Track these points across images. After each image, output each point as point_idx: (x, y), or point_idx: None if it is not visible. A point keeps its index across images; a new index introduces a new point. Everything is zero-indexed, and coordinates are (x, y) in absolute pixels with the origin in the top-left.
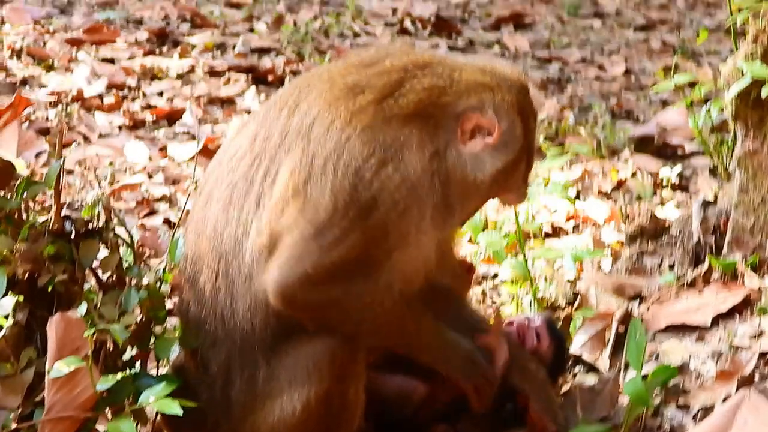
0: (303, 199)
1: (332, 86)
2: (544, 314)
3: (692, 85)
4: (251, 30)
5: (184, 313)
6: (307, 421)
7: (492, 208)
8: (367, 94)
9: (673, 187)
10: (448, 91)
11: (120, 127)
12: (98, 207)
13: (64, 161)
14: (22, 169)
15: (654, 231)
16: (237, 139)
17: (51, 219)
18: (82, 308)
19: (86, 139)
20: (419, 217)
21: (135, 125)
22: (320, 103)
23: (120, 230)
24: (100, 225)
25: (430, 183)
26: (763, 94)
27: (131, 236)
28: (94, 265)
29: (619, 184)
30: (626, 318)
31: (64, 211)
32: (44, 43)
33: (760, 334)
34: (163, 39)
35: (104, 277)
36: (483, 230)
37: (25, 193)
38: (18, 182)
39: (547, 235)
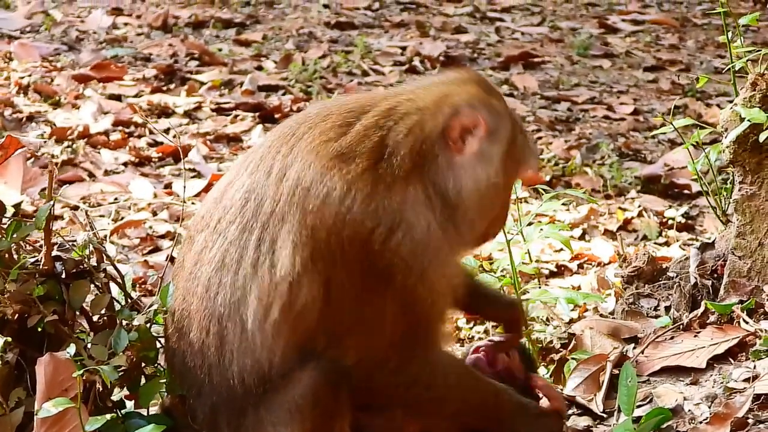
0: (319, 278)
1: (318, 155)
2: (502, 335)
3: (701, 126)
4: (259, 68)
5: (170, 362)
6: None
7: (490, 249)
8: (359, 161)
9: (679, 228)
10: (425, 120)
11: (125, 164)
12: (89, 248)
13: (54, 202)
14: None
15: (651, 273)
16: (225, 199)
17: (41, 259)
18: (71, 349)
19: (92, 175)
20: (444, 264)
21: (140, 162)
22: (312, 173)
23: (112, 271)
24: (93, 265)
25: (445, 230)
26: (761, 139)
27: (122, 277)
28: (85, 306)
29: (626, 224)
30: (621, 360)
31: (55, 252)
32: (51, 80)
33: (755, 377)
34: (170, 76)
35: (95, 318)
36: (480, 272)
37: (15, 234)
38: (8, 223)
39: (552, 274)
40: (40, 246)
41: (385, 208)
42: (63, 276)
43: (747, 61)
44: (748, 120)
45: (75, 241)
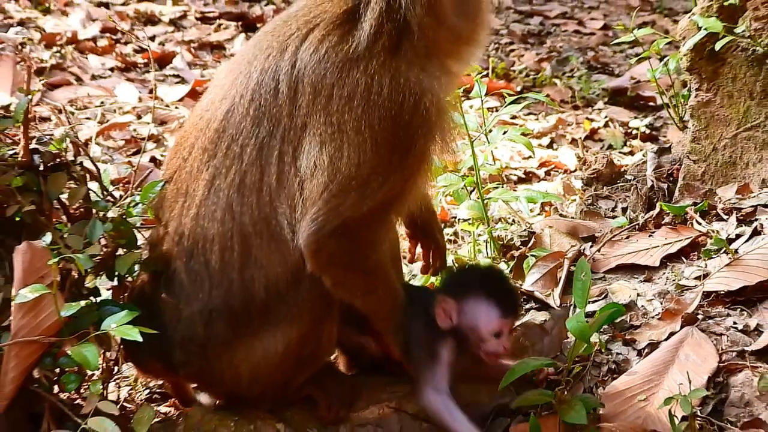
0: (340, 161)
1: (331, 62)
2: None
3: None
4: None
5: (169, 279)
6: (287, 359)
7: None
8: (377, 54)
9: (643, 137)
10: None
11: (112, 69)
12: (66, 142)
13: (32, 97)
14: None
15: (610, 176)
16: (229, 127)
17: (19, 152)
18: (47, 237)
19: (79, 79)
20: (449, 116)
21: (127, 68)
22: (329, 80)
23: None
24: (70, 159)
25: (445, 88)
26: (717, 47)
27: (99, 171)
28: (63, 198)
29: (592, 133)
30: (578, 258)
31: (33, 145)
32: None
33: (705, 275)
34: None
35: (72, 210)
36: (443, 172)
37: None
38: None
39: (520, 180)
40: (19, 139)
41: (409, 79)
42: (41, 168)
43: None
44: (705, 29)
45: (53, 135)
